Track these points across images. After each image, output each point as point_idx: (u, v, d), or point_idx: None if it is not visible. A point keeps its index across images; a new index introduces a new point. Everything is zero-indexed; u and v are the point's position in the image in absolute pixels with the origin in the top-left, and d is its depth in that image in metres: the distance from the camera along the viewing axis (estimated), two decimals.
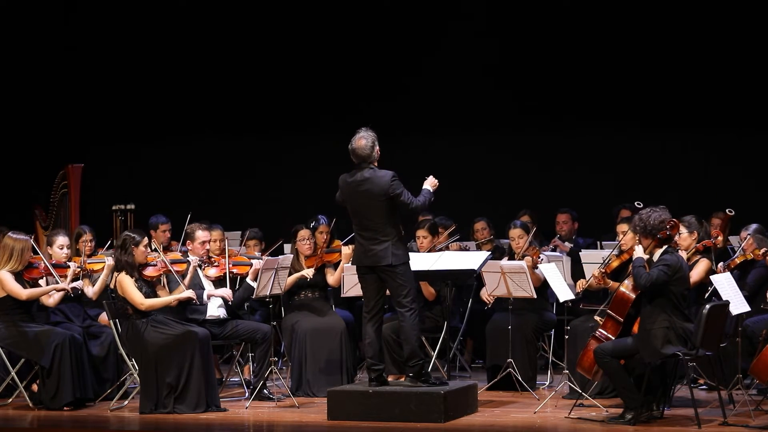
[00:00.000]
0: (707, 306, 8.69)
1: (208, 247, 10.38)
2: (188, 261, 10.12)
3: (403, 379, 9.46)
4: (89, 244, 10.74)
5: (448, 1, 14.10)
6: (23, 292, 9.90)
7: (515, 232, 10.78)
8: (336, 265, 10.82)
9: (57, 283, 10.12)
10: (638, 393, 8.76)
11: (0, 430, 9.32)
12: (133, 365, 9.79)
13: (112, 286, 9.93)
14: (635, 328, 8.94)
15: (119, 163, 14.64)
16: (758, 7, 13.24)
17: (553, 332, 10.93)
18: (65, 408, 9.80)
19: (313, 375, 10.46)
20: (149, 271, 9.79)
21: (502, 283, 10.26)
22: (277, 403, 10.00)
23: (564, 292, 9.83)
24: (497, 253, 11.21)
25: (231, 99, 14.66)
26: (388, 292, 9.27)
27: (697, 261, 9.86)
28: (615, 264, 9.69)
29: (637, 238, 8.96)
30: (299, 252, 10.83)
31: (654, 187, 12.87)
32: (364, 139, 9.13)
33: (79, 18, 14.60)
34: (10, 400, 10.13)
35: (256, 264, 10.25)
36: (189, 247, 10.35)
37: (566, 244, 12.22)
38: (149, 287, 9.74)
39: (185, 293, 9.80)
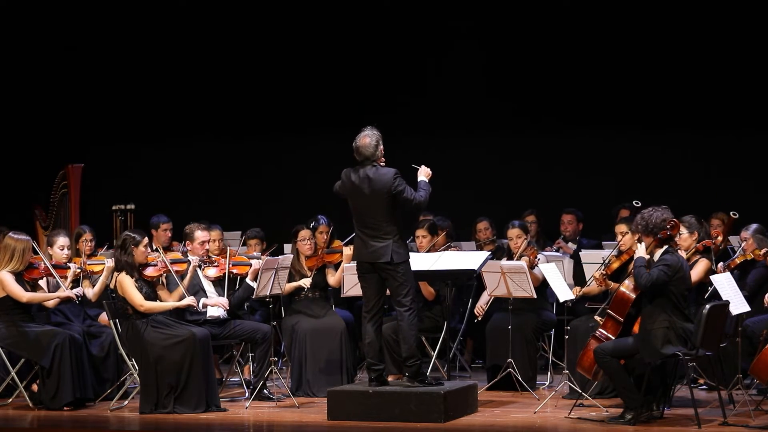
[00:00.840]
0: (707, 306, 8.69)
1: (207, 247, 10.39)
2: (188, 261, 10.12)
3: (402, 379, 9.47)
4: (89, 244, 10.74)
5: (450, 3, 14.10)
6: (24, 296, 9.89)
7: (513, 232, 10.78)
8: (337, 266, 10.82)
9: (57, 283, 10.13)
10: (638, 393, 8.76)
11: (0, 430, 9.31)
12: (133, 365, 9.79)
13: (112, 286, 9.93)
14: (635, 328, 8.94)
15: (119, 163, 14.63)
16: (758, 8, 13.24)
17: (553, 332, 10.93)
18: (65, 408, 9.80)
19: (313, 375, 10.46)
20: (149, 272, 9.79)
21: (502, 283, 10.26)
22: (277, 403, 10.00)
23: (564, 292, 9.83)
24: (499, 253, 11.21)
25: (231, 99, 14.66)
26: (388, 292, 9.28)
27: (696, 261, 9.86)
28: (615, 265, 9.69)
29: (636, 238, 8.96)
30: (300, 252, 10.83)
31: (654, 188, 12.85)
32: (368, 138, 9.14)
33: (79, 18, 14.59)
34: (10, 400, 10.13)
35: (256, 264, 10.25)
36: (188, 248, 10.35)
37: (570, 245, 12.18)
38: (149, 287, 9.74)
39: (185, 301, 9.78)
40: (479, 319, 10.86)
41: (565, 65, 13.81)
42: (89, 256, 10.57)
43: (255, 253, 11.15)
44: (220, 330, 10.14)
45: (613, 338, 8.93)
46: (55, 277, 10.12)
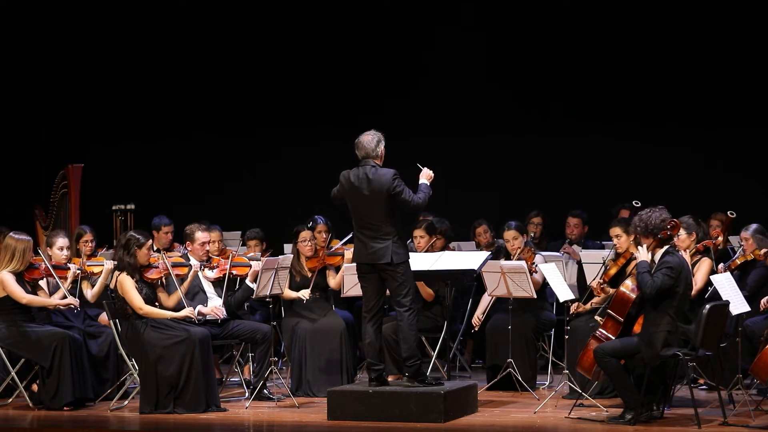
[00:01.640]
0: (707, 306, 8.69)
1: (207, 248, 10.38)
2: (190, 265, 10.09)
3: (402, 379, 9.47)
4: (89, 245, 10.73)
5: (450, 2, 14.10)
6: (24, 297, 9.88)
7: (509, 234, 10.75)
8: (338, 269, 10.81)
9: (57, 283, 10.13)
10: (638, 393, 8.76)
11: (0, 430, 9.31)
12: (133, 365, 9.79)
13: (112, 286, 9.93)
14: (636, 328, 8.94)
15: (119, 163, 14.64)
16: (758, 8, 13.24)
17: (553, 332, 10.93)
18: (65, 408, 9.79)
19: (313, 375, 10.46)
20: (151, 273, 9.77)
21: (502, 283, 10.26)
22: (277, 403, 10.00)
23: (564, 292, 9.82)
24: (498, 254, 11.18)
25: (231, 100, 14.66)
26: (388, 292, 9.28)
27: (698, 261, 9.84)
28: (613, 271, 9.62)
29: (632, 239, 8.95)
30: (300, 252, 10.82)
31: (654, 188, 12.87)
32: (370, 135, 9.19)
33: (80, 18, 14.60)
34: (10, 400, 10.12)
35: (256, 266, 10.24)
36: (189, 248, 10.35)
37: (575, 248, 12.12)
38: (149, 289, 9.73)
39: (183, 312, 9.74)
40: (476, 329, 10.87)
41: (566, 65, 13.81)
42: (89, 257, 10.56)
43: (256, 254, 11.13)
44: (220, 330, 10.13)
45: (613, 338, 8.93)
46: (55, 278, 10.12)
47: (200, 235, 10.28)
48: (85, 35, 14.67)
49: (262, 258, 10.57)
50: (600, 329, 9.05)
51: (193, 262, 10.15)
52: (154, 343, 9.52)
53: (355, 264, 9.35)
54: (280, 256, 10.53)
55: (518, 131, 13.91)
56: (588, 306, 10.01)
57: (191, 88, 14.59)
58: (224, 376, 11.05)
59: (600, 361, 8.83)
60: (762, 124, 13.27)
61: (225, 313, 10.14)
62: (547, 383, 10.68)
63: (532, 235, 11.79)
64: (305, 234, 10.81)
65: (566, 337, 9.92)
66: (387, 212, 9.06)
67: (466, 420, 9.21)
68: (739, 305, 9.22)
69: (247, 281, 10.32)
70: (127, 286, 9.57)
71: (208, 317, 10.05)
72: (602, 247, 11.33)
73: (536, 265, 10.32)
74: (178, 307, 9.80)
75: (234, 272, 10.37)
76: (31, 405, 9.94)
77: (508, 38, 13.97)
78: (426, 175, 9.26)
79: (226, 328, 10.18)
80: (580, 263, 10.95)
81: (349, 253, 10.50)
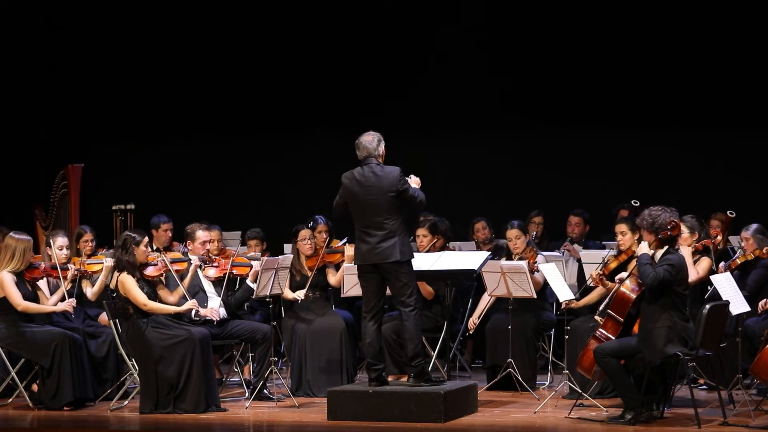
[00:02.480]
0: (707, 306, 8.69)
1: (208, 247, 10.38)
2: (189, 260, 10.11)
3: (404, 379, 9.47)
4: (90, 244, 10.74)
5: (451, 3, 14.10)
6: (21, 304, 9.85)
7: (512, 233, 10.75)
8: (338, 267, 10.81)
9: (57, 284, 10.14)
10: (638, 393, 8.76)
11: (0, 430, 9.31)
12: (133, 365, 9.79)
13: (112, 286, 9.94)
14: (635, 329, 8.94)
15: (119, 163, 14.64)
16: (758, 8, 13.24)
17: (553, 332, 10.93)
18: (65, 408, 9.80)
19: (313, 375, 10.46)
20: (150, 271, 9.78)
21: (502, 283, 10.26)
22: (277, 403, 10.00)
23: (564, 293, 9.82)
24: (498, 254, 11.19)
25: (231, 100, 14.66)
26: (388, 291, 9.27)
27: (697, 261, 9.87)
28: (613, 265, 9.65)
29: (636, 237, 8.95)
30: (300, 252, 10.82)
31: (654, 188, 12.86)
32: (371, 135, 9.21)
33: (80, 18, 14.60)
34: (10, 400, 10.13)
35: (256, 266, 10.25)
36: (189, 247, 10.35)
37: (576, 247, 12.14)
38: (150, 287, 9.74)
39: (187, 305, 9.76)
40: (471, 332, 10.88)
41: (567, 66, 13.82)
42: (89, 257, 10.56)
43: (256, 254, 11.13)
44: (220, 330, 10.14)
45: (613, 338, 8.93)
46: (57, 277, 10.12)
47: (201, 234, 10.29)
48: (85, 35, 14.68)
49: (262, 258, 10.57)
50: (600, 329, 9.05)
51: (192, 258, 10.15)
52: (155, 343, 9.52)
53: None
54: (280, 256, 10.53)
55: (518, 131, 13.92)
56: (581, 303, 10.02)
57: (191, 89, 14.60)
58: (224, 376, 11.05)
59: (600, 361, 8.83)
60: (762, 126, 13.27)
61: (223, 314, 10.14)
62: (547, 383, 10.68)
63: (534, 234, 11.79)
64: (305, 233, 10.81)
65: (566, 337, 9.92)
66: (394, 210, 9.05)
67: (466, 420, 9.21)
68: (739, 305, 9.22)
69: (248, 281, 10.32)
70: (129, 284, 9.58)
71: (205, 318, 10.04)
72: (603, 247, 11.32)
73: (537, 264, 10.33)
74: (181, 304, 9.81)
75: (234, 272, 10.38)
76: (31, 405, 9.94)
77: (508, 38, 13.97)
78: (414, 182, 9.26)
79: (226, 328, 10.19)
80: (580, 262, 10.95)
81: (349, 250, 10.49)
